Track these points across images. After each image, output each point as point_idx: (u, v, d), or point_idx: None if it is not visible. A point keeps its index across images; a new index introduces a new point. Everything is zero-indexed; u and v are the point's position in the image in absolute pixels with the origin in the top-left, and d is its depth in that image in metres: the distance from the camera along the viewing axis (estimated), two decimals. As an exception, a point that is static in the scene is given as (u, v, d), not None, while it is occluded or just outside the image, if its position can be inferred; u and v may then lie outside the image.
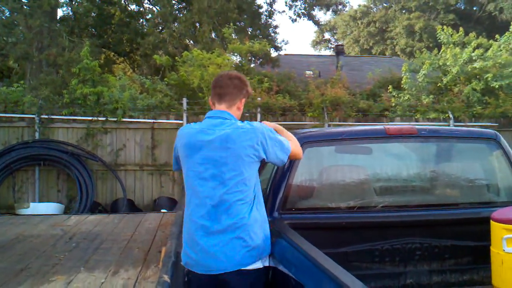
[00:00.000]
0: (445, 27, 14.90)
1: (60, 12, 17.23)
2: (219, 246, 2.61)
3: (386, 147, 3.67)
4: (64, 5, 17.18)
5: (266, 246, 2.73)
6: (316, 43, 46.08)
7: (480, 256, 3.31)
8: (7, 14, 15.66)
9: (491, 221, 3.03)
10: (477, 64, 12.54)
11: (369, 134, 3.60)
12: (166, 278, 2.31)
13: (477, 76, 12.66)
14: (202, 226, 2.66)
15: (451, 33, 14.35)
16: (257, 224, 2.71)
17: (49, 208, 9.70)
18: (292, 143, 2.92)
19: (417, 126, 3.55)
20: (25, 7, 14.16)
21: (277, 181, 3.33)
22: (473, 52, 13.06)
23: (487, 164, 3.82)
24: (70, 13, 17.41)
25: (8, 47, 14.56)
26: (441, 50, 13.99)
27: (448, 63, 13.04)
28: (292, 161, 3.25)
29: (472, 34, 14.22)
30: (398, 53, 36.12)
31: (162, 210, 9.17)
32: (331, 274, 2.11)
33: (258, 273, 2.68)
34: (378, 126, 3.64)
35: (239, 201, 2.68)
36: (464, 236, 3.43)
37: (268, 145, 2.77)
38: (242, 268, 2.62)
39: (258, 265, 2.68)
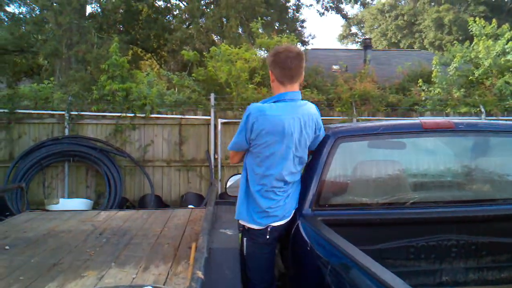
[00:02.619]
0: (477, 18, 14.58)
1: (88, 9, 17.43)
2: (290, 206, 3.22)
3: (422, 142, 3.57)
4: (93, 1, 17.37)
5: None
6: (343, 37, 45.81)
7: (520, 253, 3.21)
8: (37, 11, 15.89)
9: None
10: (510, 57, 12.25)
11: (405, 128, 3.50)
12: (200, 274, 2.27)
13: (510, 69, 12.36)
14: (282, 192, 3.15)
15: (483, 25, 14.04)
16: None
17: (78, 204, 9.81)
18: None
19: (454, 120, 3.44)
20: (55, 4, 14.33)
21: (310, 177, 3.27)
22: (506, 44, 12.75)
23: (526, 159, 3.68)
24: (99, 10, 17.59)
25: (38, 44, 14.77)
26: (473, 43, 13.70)
27: (480, 56, 12.75)
28: (326, 157, 3.24)
29: (505, 26, 13.87)
30: (427, 46, 35.65)
31: (190, 206, 9.18)
32: (371, 272, 2.05)
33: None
34: (414, 120, 3.55)
35: (299, 172, 3.28)
36: (503, 233, 3.33)
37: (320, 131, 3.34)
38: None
39: None
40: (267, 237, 3.18)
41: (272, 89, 3.30)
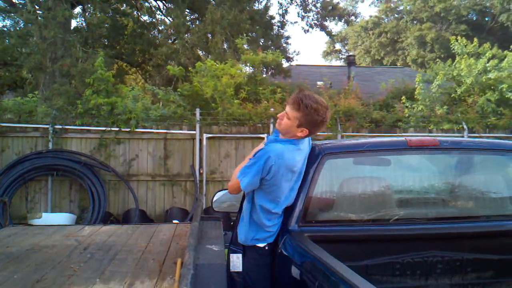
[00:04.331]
0: (459, 37, 14.84)
1: (73, 23, 17.39)
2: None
3: (407, 159, 3.61)
4: (78, 16, 17.34)
5: None
6: (327, 54, 46.12)
7: (503, 269, 3.25)
8: (22, 25, 15.82)
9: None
10: (491, 75, 12.46)
11: (391, 145, 3.55)
12: (187, 291, 2.26)
13: (492, 87, 12.57)
14: (279, 220, 3.29)
15: (465, 44, 14.29)
16: None
17: (61, 218, 9.70)
18: None
19: (438, 138, 3.49)
20: (39, 18, 14.27)
21: (296, 193, 3.29)
22: (487, 62, 12.99)
23: (510, 176, 3.74)
24: (84, 24, 17.55)
25: (22, 57, 14.66)
26: (455, 61, 13.92)
27: (462, 74, 12.96)
28: (313, 174, 3.26)
29: (486, 45, 14.14)
30: (410, 63, 36.04)
31: (174, 221, 9.13)
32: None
33: None
34: (399, 138, 3.59)
35: None
36: (487, 250, 3.36)
37: None
38: None
39: None
40: (266, 248, 3.30)
41: (290, 127, 3.21)
